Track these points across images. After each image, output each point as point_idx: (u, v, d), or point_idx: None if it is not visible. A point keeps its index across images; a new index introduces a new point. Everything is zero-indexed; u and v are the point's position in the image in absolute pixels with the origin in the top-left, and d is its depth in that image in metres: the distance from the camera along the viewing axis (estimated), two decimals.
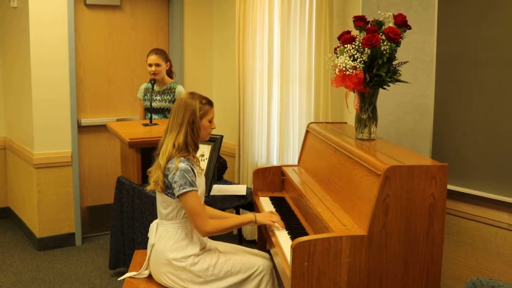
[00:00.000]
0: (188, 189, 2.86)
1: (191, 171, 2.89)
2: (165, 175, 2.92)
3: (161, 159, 2.94)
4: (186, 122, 2.95)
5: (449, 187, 3.25)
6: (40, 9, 4.84)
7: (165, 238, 2.97)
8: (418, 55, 3.45)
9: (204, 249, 3.03)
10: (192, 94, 3.02)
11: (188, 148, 2.96)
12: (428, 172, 2.50)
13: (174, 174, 2.88)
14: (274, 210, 3.39)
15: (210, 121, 3.04)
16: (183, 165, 2.88)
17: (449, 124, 3.40)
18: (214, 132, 3.26)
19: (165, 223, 3.00)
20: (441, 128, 3.43)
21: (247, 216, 3.11)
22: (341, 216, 2.73)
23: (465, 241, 3.33)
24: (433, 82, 3.40)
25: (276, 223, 3.04)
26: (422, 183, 2.50)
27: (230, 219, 3.08)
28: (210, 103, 3.04)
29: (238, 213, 4.14)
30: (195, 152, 3.03)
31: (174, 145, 2.94)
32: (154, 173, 2.97)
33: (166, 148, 2.95)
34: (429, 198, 2.52)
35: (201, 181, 3.02)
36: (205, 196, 3.55)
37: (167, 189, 2.93)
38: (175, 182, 2.87)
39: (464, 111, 3.33)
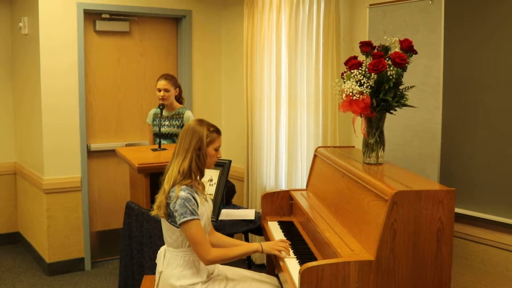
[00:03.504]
0: (189, 218, 2.86)
1: (192, 200, 2.89)
2: (167, 203, 2.92)
3: (166, 184, 2.95)
4: (192, 148, 2.95)
5: (458, 210, 3.25)
6: (51, 36, 4.92)
7: (172, 265, 2.98)
8: (424, 79, 3.47)
9: (211, 275, 3.03)
10: (200, 121, 3.04)
11: (191, 175, 2.96)
12: (436, 197, 2.51)
13: (175, 202, 2.88)
14: (282, 234, 3.40)
15: (217, 150, 3.04)
16: (183, 193, 2.88)
17: (456, 147, 3.41)
18: (222, 157, 3.27)
19: (171, 250, 3.01)
20: (448, 151, 3.43)
21: (253, 245, 3.09)
22: (349, 241, 2.73)
23: (474, 265, 3.32)
24: (440, 105, 3.42)
25: (283, 252, 3.03)
26: (429, 207, 2.50)
27: (234, 248, 3.05)
28: (217, 131, 3.05)
29: (246, 237, 4.14)
30: (200, 179, 3.04)
31: (179, 171, 2.94)
32: (159, 198, 2.98)
33: (171, 174, 2.96)
34: (437, 223, 2.52)
35: (205, 209, 3.02)
36: (213, 221, 3.56)
37: (170, 217, 2.94)
38: (176, 211, 2.88)
39: (471, 134, 3.34)
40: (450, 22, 3.39)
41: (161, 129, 4.69)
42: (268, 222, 3.70)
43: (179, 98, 4.82)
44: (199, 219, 2.89)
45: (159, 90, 4.64)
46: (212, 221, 3.27)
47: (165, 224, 3.00)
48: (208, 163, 3.03)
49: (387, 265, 2.48)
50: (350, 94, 2.99)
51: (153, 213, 3.00)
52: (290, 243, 3.15)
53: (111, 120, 5.46)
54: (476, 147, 3.31)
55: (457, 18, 3.38)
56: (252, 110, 5.08)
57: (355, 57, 3.20)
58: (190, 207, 2.86)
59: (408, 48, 3.06)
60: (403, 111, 3.18)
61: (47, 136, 4.96)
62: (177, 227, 2.91)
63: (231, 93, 5.71)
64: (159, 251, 3.14)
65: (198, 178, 3.01)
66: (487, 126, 3.26)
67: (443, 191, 2.53)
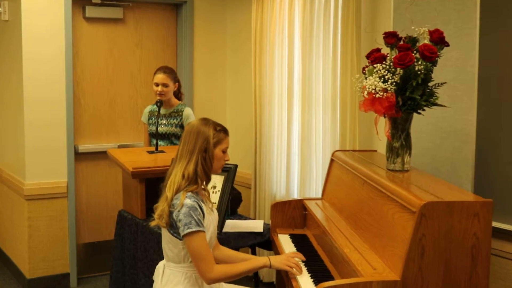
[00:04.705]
0: (194, 229, 2.85)
1: (198, 209, 2.89)
2: (170, 212, 2.91)
3: (168, 191, 2.95)
4: (197, 150, 2.95)
5: (495, 224, 3.22)
6: (34, 23, 4.93)
7: (173, 282, 2.97)
8: (457, 74, 3.46)
9: None
10: (206, 120, 3.04)
11: (197, 180, 2.96)
12: (470, 209, 2.49)
13: (179, 211, 2.87)
14: (294, 249, 3.39)
15: (224, 152, 3.04)
16: (189, 201, 2.88)
17: (493, 152, 3.39)
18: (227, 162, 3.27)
19: (172, 265, 3.00)
20: (484, 156, 3.42)
21: (261, 259, 3.09)
22: (371, 258, 2.72)
23: None
24: (475, 104, 3.40)
25: (294, 269, 3.01)
26: (463, 221, 2.49)
27: (240, 264, 3.04)
28: (225, 131, 3.05)
29: (254, 252, 4.13)
30: (206, 184, 3.04)
31: (183, 176, 2.93)
32: (160, 206, 2.97)
33: (174, 179, 2.95)
34: (471, 239, 2.50)
35: (212, 219, 3.02)
36: (217, 233, 3.55)
37: (172, 228, 2.93)
38: (179, 221, 2.87)
39: (510, 137, 3.32)
40: (487, 10, 3.37)
41: (158, 129, 4.70)
42: (279, 235, 3.69)
43: (178, 94, 4.83)
44: (204, 232, 2.89)
45: (157, 85, 4.65)
46: None
47: (166, 236, 2.99)
48: (215, 167, 3.03)
49: (414, 286, 2.47)
50: (373, 91, 2.99)
51: (154, 223, 2.99)
52: (304, 259, 3.14)
53: (102, 118, 5.47)
54: None
55: (495, 6, 3.36)
56: (261, 109, 5.08)
57: (378, 50, 3.20)
58: (195, 217, 2.86)
59: (438, 39, 3.05)
60: (433, 111, 3.17)
61: (29, 135, 4.98)
62: (180, 239, 2.91)
63: (237, 90, 5.71)
64: (157, 266, 3.13)
65: (204, 184, 3.00)
66: None
67: (479, 202, 2.51)
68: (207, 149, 2.96)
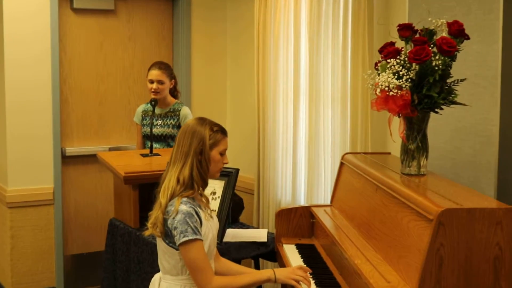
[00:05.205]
0: (191, 237, 2.85)
1: (195, 216, 2.89)
2: (164, 220, 2.92)
3: (162, 197, 2.95)
4: (192, 152, 2.95)
5: None
6: (16, 15, 4.94)
7: None
8: (478, 70, 3.46)
9: None
10: (202, 120, 3.04)
11: (193, 185, 2.97)
12: (493, 217, 2.49)
13: (174, 218, 2.87)
14: (301, 261, 3.40)
15: (222, 154, 3.04)
16: (184, 207, 2.88)
17: None
18: (228, 165, 3.27)
19: (169, 278, 3.01)
20: (508, 159, 3.42)
21: (265, 272, 3.09)
22: (384, 270, 2.73)
23: None
24: (498, 102, 3.40)
25: (301, 282, 3.02)
26: (484, 230, 2.49)
27: (242, 276, 3.05)
28: (223, 131, 3.05)
29: (257, 264, 4.14)
30: (203, 190, 3.04)
31: (178, 180, 2.94)
32: (154, 214, 2.98)
33: (168, 184, 2.96)
34: (494, 249, 2.50)
35: (211, 226, 3.02)
36: (217, 243, 3.56)
37: (167, 237, 2.94)
38: (175, 229, 2.87)
39: None
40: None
41: (153, 130, 4.70)
42: (284, 246, 3.70)
43: (174, 92, 4.84)
44: (201, 240, 2.89)
45: (151, 82, 4.66)
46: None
47: (161, 246, 3.00)
48: (213, 171, 3.03)
49: None
50: (386, 89, 2.99)
51: (147, 232, 3.00)
52: (311, 271, 3.15)
53: (91, 119, 5.48)
54: None
55: None
56: (265, 108, 5.09)
57: (392, 44, 3.20)
58: (192, 224, 2.86)
59: (458, 32, 3.05)
60: (452, 109, 3.17)
61: (12, 137, 4.99)
62: (177, 249, 2.91)
63: (239, 87, 5.72)
64: (152, 279, 3.14)
65: (201, 189, 3.01)
66: None
67: (502, 209, 2.51)
68: (203, 151, 2.96)
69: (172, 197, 2.93)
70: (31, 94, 5.02)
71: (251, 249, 3.96)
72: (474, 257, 2.50)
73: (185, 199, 2.91)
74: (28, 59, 5.00)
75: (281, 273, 3.07)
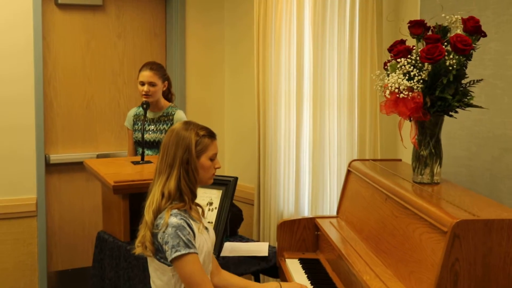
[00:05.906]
0: (183, 251, 2.85)
1: (187, 228, 2.89)
2: (154, 234, 2.91)
3: (147, 214, 2.95)
4: (178, 162, 2.94)
5: None
6: None
7: None
8: (496, 70, 3.47)
9: None
10: (186, 124, 3.02)
11: (183, 197, 2.96)
12: None
13: (164, 232, 2.87)
14: (305, 277, 3.41)
15: (212, 159, 3.03)
16: (175, 220, 2.88)
17: None
18: (226, 172, 3.28)
19: None
20: None
21: (269, 286, 3.10)
22: (395, 286, 2.74)
23: None
24: None
25: None
26: (503, 243, 2.49)
27: None
28: (210, 135, 3.03)
29: (257, 280, 4.15)
30: (193, 202, 3.03)
31: (163, 194, 2.93)
32: (141, 232, 2.97)
33: (152, 198, 2.96)
34: None
35: (205, 240, 3.02)
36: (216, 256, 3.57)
37: (158, 252, 2.94)
38: (166, 243, 2.87)
39: None
40: None
41: (145, 136, 4.71)
42: (287, 260, 3.71)
43: (167, 94, 4.84)
44: (196, 253, 2.89)
45: (142, 84, 4.66)
46: None
47: (153, 264, 3.00)
48: (204, 178, 3.03)
49: None
50: (396, 90, 3.00)
51: (137, 251, 2.99)
52: None
53: (78, 123, 5.49)
54: None
55: None
56: (265, 111, 5.09)
57: (402, 42, 3.21)
58: (184, 238, 2.86)
59: (474, 29, 3.06)
60: (467, 113, 3.18)
61: None
62: (169, 265, 2.92)
63: (237, 89, 5.73)
64: None
65: (190, 201, 3.00)
66: None
67: None
68: (189, 161, 2.95)
69: (157, 213, 2.92)
70: (12, 96, 5.01)
71: (251, 264, 3.96)
72: (492, 272, 2.50)
73: (175, 210, 2.91)
74: (8, 58, 5.00)
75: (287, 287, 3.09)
